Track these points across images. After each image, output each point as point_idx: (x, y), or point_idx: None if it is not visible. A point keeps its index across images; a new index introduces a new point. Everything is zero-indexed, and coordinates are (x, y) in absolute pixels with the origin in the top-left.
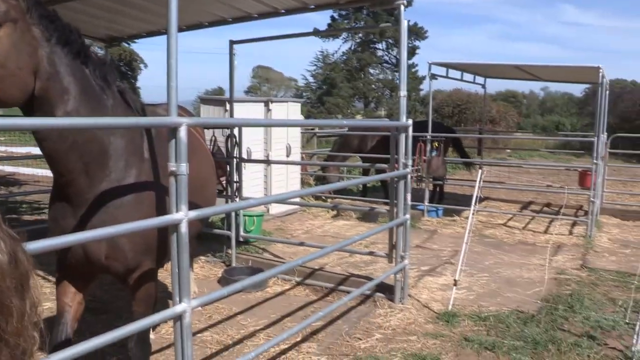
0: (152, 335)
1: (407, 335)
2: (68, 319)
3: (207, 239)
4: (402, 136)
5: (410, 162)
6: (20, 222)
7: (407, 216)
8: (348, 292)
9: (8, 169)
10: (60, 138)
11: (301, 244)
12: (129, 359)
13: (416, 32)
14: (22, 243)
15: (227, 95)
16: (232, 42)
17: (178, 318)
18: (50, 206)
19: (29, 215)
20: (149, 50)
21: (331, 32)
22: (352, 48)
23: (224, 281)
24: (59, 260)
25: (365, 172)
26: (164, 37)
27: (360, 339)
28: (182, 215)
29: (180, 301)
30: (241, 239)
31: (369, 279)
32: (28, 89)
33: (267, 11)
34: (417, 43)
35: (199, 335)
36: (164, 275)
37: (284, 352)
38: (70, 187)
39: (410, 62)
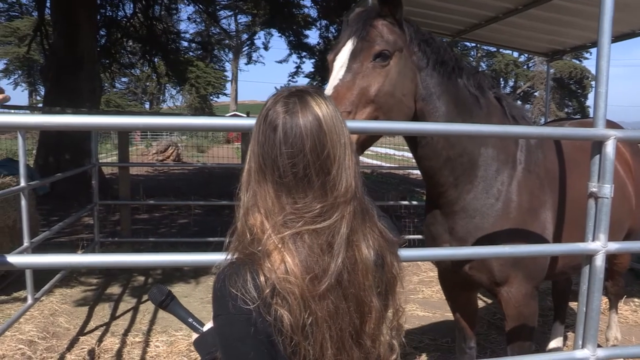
0: None
1: None
2: (463, 330)
3: None
4: None
5: None
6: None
7: None
8: None
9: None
10: (435, 155)
11: None
12: None
13: None
14: (396, 248)
15: None
16: None
17: None
18: (425, 213)
19: None
20: None
21: None
22: None
23: None
24: (438, 267)
25: None
26: (618, 47)
27: None
28: (599, 246)
29: (582, 346)
30: None
31: None
32: (410, 114)
33: None
34: None
35: None
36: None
37: None
38: (441, 198)
39: None
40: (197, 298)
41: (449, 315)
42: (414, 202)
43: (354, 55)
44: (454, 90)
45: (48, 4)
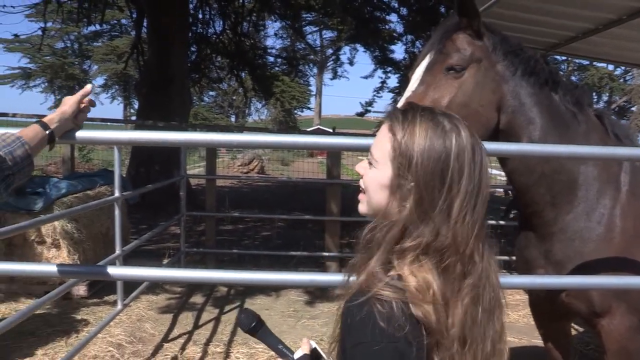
0: None
1: None
2: None
3: None
4: None
5: None
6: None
7: None
8: None
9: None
10: (527, 170)
11: None
12: None
13: None
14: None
15: None
16: None
17: None
18: (517, 235)
19: None
20: None
21: None
22: None
23: None
24: (529, 294)
25: None
26: None
27: None
28: None
29: None
30: None
31: None
32: (491, 125)
33: None
34: None
35: None
36: None
37: None
38: (536, 218)
39: None
40: (278, 311)
41: (535, 342)
42: (501, 222)
43: (428, 68)
44: (547, 103)
45: (145, 24)
